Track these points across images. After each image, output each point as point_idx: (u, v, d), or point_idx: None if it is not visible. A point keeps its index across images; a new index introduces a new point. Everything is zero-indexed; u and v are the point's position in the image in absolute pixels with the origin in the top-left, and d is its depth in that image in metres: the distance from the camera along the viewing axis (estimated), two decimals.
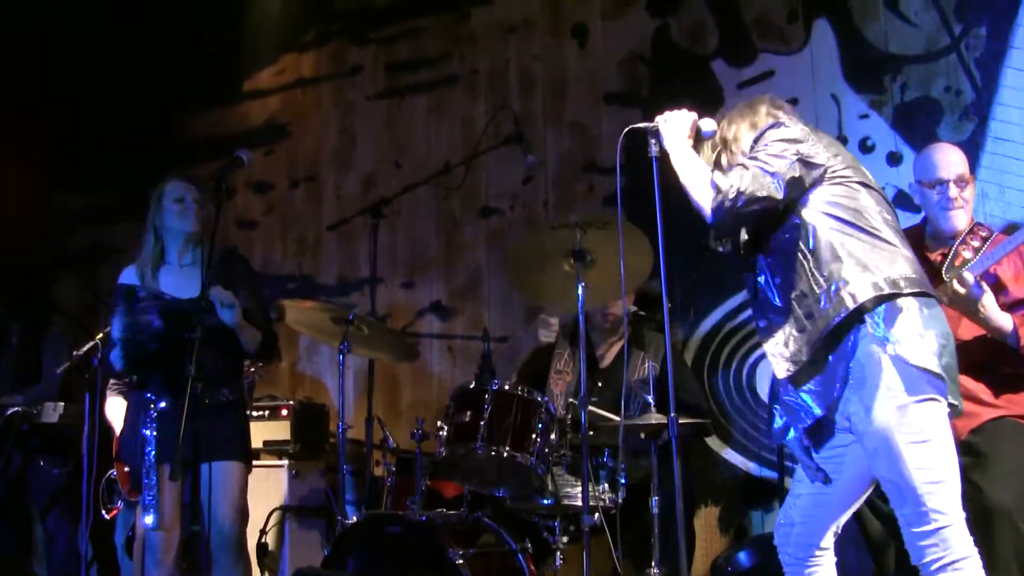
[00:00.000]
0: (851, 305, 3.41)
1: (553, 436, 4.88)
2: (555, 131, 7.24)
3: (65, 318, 7.69)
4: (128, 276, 5.09)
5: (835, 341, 3.46)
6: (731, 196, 3.51)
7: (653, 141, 3.80)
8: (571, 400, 5.38)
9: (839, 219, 3.54)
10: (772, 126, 3.65)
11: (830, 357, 3.48)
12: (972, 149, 5.92)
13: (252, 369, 6.21)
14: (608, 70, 7.12)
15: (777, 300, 3.60)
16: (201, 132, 8.48)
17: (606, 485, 4.94)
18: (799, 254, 3.54)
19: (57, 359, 6.48)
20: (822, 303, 3.46)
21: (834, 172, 3.59)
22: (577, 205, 7.02)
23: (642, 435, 4.94)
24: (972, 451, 4.40)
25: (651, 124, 3.82)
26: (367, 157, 7.93)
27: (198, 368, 4.32)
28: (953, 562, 3.28)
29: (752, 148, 3.64)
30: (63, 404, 6.50)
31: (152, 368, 4.96)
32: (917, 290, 3.43)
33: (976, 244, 4.55)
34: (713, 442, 6.33)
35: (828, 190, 3.58)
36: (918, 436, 3.30)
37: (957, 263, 4.53)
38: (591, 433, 4.70)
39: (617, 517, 4.86)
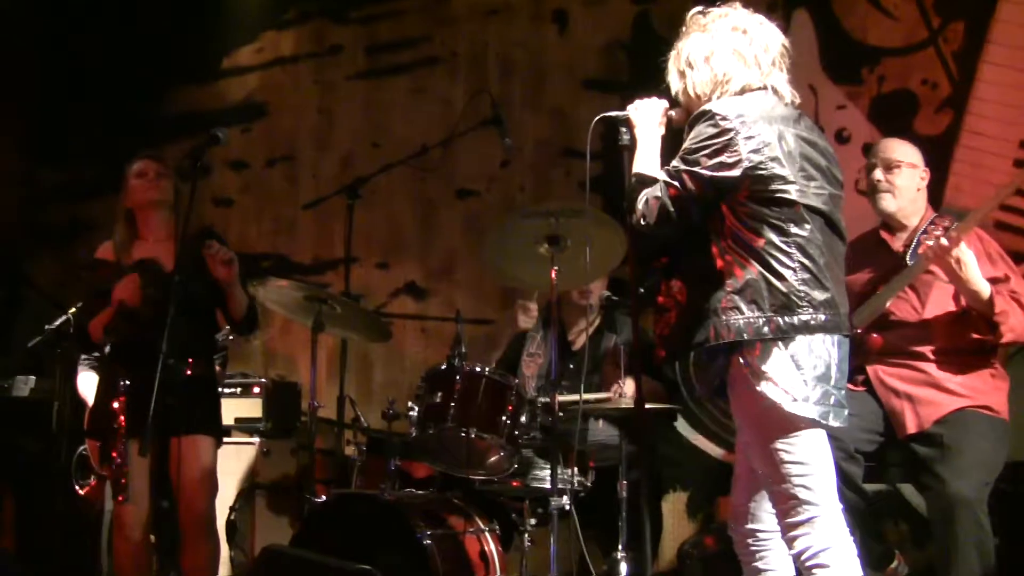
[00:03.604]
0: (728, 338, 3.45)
1: (523, 418, 4.90)
2: (533, 116, 7.25)
3: (39, 293, 7.66)
4: (104, 252, 5.13)
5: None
6: (641, 227, 3.57)
7: (624, 130, 3.82)
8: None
9: (742, 241, 3.49)
10: (702, 117, 3.53)
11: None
12: (947, 142, 5.98)
13: (231, 337, 6.19)
14: (587, 56, 7.13)
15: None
16: (179, 108, 8.44)
17: (575, 468, 4.96)
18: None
19: (30, 334, 6.45)
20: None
21: (758, 176, 3.45)
22: (553, 190, 7.03)
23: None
24: (935, 442, 4.45)
25: (622, 113, 3.84)
26: (345, 137, 7.92)
27: (170, 343, 4.34)
28: None
29: (685, 133, 3.63)
30: (35, 378, 6.49)
31: (126, 339, 4.97)
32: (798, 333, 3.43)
33: (939, 233, 4.60)
34: (683, 428, 6.36)
35: (742, 202, 3.49)
36: None
37: (921, 251, 4.59)
38: (561, 415, 4.73)
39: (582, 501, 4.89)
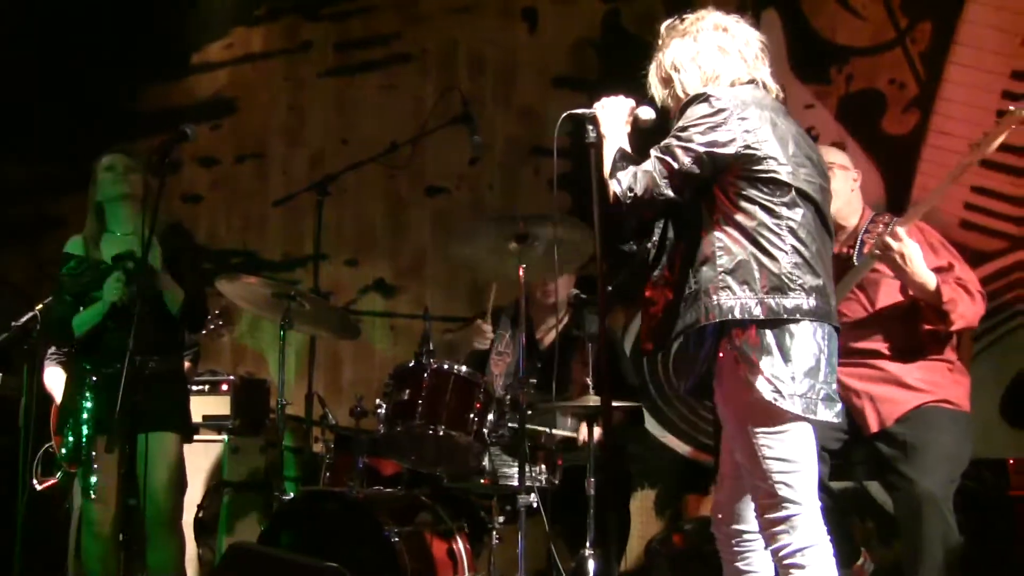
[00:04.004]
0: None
1: (491, 416, 4.90)
2: (503, 113, 7.26)
3: (9, 288, 7.60)
4: (73, 246, 5.13)
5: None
6: (627, 199, 3.53)
7: (591, 127, 3.82)
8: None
9: (734, 221, 3.48)
10: (697, 99, 3.55)
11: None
12: (915, 142, 6.02)
13: (205, 332, 6.18)
14: (557, 54, 7.14)
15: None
16: (149, 104, 8.40)
17: (543, 466, 4.96)
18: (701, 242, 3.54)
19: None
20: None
21: (751, 156, 3.46)
22: (522, 188, 7.04)
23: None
24: (899, 441, 4.46)
25: (588, 111, 3.85)
26: (315, 134, 7.91)
27: (137, 340, 4.33)
28: None
29: (676, 120, 3.63)
30: (1, 375, 6.44)
31: (93, 334, 4.96)
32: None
33: (879, 231, 4.63)
34: (651, 425, 6.38)
35: (734, 182, 3.49)
36: None
37: (866, 251, 4.62)
38: (529, 413, 4.74)
39: (549, 498, 4.90)
